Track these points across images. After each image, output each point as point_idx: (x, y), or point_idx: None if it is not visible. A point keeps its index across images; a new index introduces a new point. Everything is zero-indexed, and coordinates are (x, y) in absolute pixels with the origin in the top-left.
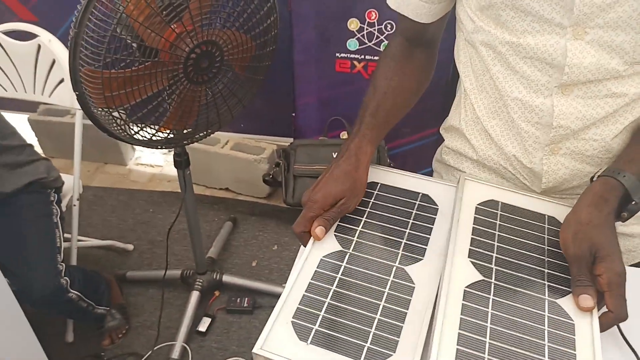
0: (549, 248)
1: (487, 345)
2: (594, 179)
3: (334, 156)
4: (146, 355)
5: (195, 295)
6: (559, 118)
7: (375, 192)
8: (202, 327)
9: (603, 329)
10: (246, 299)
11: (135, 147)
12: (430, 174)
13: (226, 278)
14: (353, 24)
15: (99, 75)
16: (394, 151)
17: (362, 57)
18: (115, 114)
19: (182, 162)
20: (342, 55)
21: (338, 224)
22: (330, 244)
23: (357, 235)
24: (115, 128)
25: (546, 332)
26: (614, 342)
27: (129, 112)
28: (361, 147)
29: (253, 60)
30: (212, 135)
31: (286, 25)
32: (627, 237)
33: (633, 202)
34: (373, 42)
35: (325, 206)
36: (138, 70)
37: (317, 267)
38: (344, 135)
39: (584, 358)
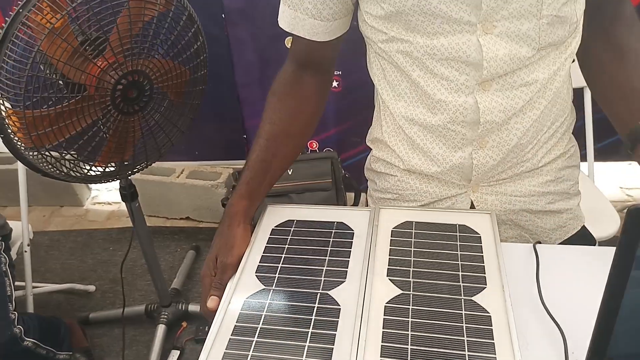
0: (462, 252)
1: (409, 350)
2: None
3: (289, 173)
4: None
5: (161, 329)
6: (484, 114)
7: (292, 229)
8: None
9: None
10: None
11: (90, 186)
12: None
13: (192, 307)
14: (290, 43)
15: (22, 116)
16: (348, 162)
17: None
18: (46, 152)
19: (127, 195)
20: None
21: (258, 265)
22: (252, 284)
23: (278, 271)
24: (47, 167)
25: (465, 327)
26: (537, 317)
27: (63, 148)
28: (232, 204)
29: (186, 85)
30: (166, 165)
31: (225, 50)
32: (555, 214)
33: None
34: None
35: (211, 271)
36: (63, 107)
37: (241, 309)
38: None
39: (501, 344)
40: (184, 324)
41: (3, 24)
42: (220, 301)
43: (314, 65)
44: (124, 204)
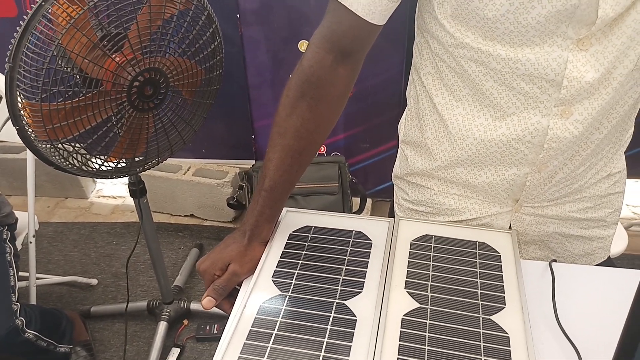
0: (481, 270)
1: None
2: None
3: None
4: None
5: (162, 326)
6: (550, 141)
7: (310, 235)
8: (172, 358)
9: None
10: (216, 325)
11: (96, 179)
12: (392, 187)
13: (194, 306)
14: (304, 46)
15: (38, 109)
16: (355, 167)
17: None
18: (59, 146)
19: (136, 191)
20: None
21: (275, 269)
22: (268, 289)
23: (295, 277)
24: (60, 160)
25: (482, 347)
26: (552, 335)
27: (76, 141)
28: (258, 225)
29: (201, 84)
30: (173, 162)
31: (238, 49)
32: (586, 240)
33: None
34: None
35: (216, 271)
36: (79, 102)
37: (256, 314)
38: None
39: None
40: (185, 321)
41: (24, 15)
42: (215, 304)
43: (355, 55)
44: (128, 198)
